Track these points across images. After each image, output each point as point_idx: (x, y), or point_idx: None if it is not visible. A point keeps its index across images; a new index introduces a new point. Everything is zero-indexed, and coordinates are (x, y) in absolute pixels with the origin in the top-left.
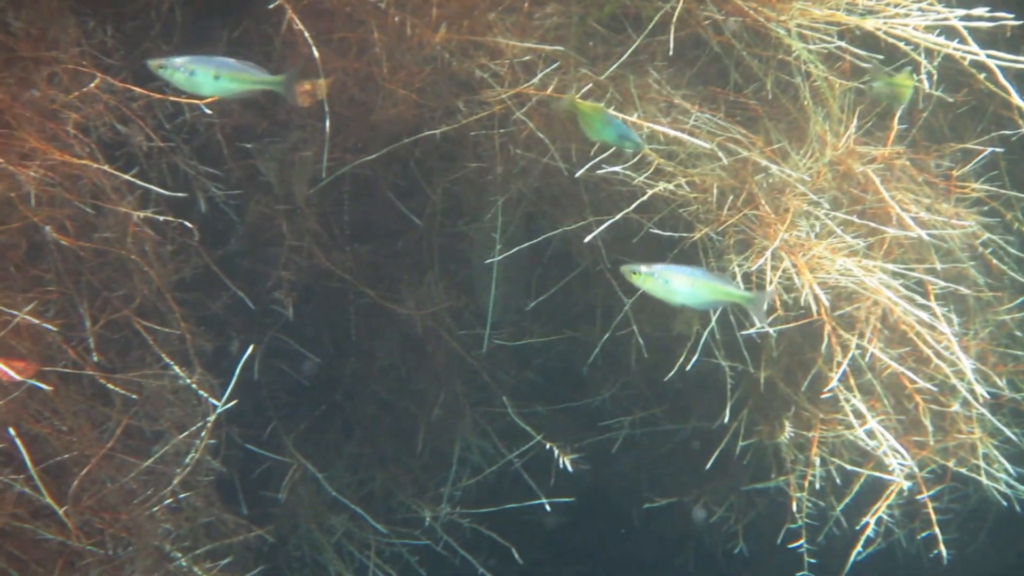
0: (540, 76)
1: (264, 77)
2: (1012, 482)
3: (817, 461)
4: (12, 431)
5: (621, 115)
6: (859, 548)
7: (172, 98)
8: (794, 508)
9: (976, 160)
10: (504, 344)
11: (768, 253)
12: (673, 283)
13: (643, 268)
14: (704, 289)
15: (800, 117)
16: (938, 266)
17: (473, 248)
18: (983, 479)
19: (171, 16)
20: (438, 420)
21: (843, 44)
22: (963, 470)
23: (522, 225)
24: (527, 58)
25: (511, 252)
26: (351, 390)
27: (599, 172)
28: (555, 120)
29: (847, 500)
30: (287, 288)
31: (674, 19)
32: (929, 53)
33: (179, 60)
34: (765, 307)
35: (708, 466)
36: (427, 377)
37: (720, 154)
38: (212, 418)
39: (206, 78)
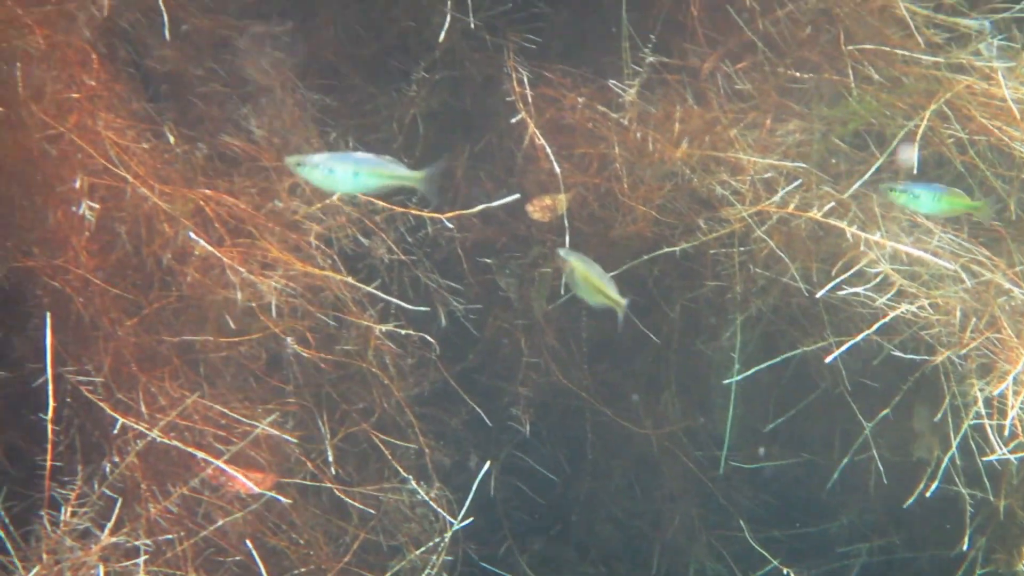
0: (781, 193)
1: (405, 172)
2: None
3: None
4: (249, 543)
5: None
6: None
7: (414, 212)
8: None
9: None
10: (741, 466)
11: (1011, 378)
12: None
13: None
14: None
15: None
16: None
17: (711, 367)
18: None
19: (413, 129)
20: (673, 542)
21: None
22: None
23: (760, 345)
24: (768, 175)
25: (749, 372)
26: (586, 509)
27: (840, 293)
28: (796, 238)
29: None
30: (524, 405)
31: (918, 137)
32: None
33: (317, 158)
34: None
35: None
36: (662, 498)
37: (963, 276)
38: (449, 535)
39: (345, 175)
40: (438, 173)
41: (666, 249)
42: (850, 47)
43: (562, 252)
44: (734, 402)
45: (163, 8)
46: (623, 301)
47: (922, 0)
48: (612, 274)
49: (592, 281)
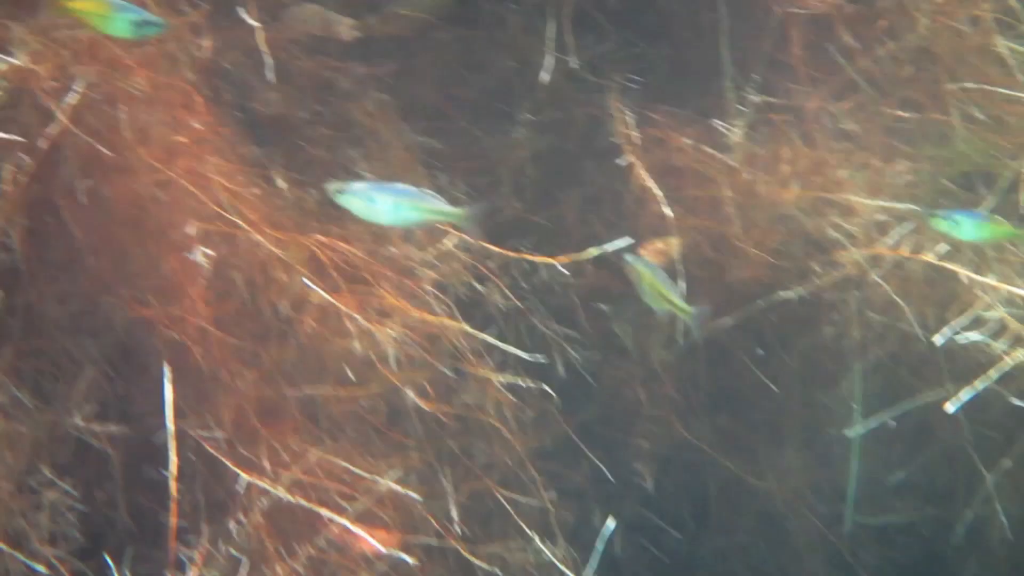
0: (894, 236)
1: (446, 208)
2: None
3: None
4: None
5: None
6: None
7: (528, 256)
8: None
9: None
10: (866, 522)
11: None
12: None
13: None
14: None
15: None
16: None
17: (833, 418)
18: None
19: (522, 172)
20: None
21: None
22: None
23: (880, 394)
24: (880, 217)
25: (870, 423)
26: (711, 567)
27: (958, 339)
28: (911, 282)
29: None
30: (646, 458)
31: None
32: None
33: (358, 186)
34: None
35: None
36: (787, 554)
37: None
38: None
39: (385, 205)
40: (480, 212)
41: (782, 294)
42: (952, 86)
43: (629, 258)
44: (856, 454)
45: (266, 49)
46: (690, 309)
47: (1021, 37)
48: (729, 317)
49: (658, 288)
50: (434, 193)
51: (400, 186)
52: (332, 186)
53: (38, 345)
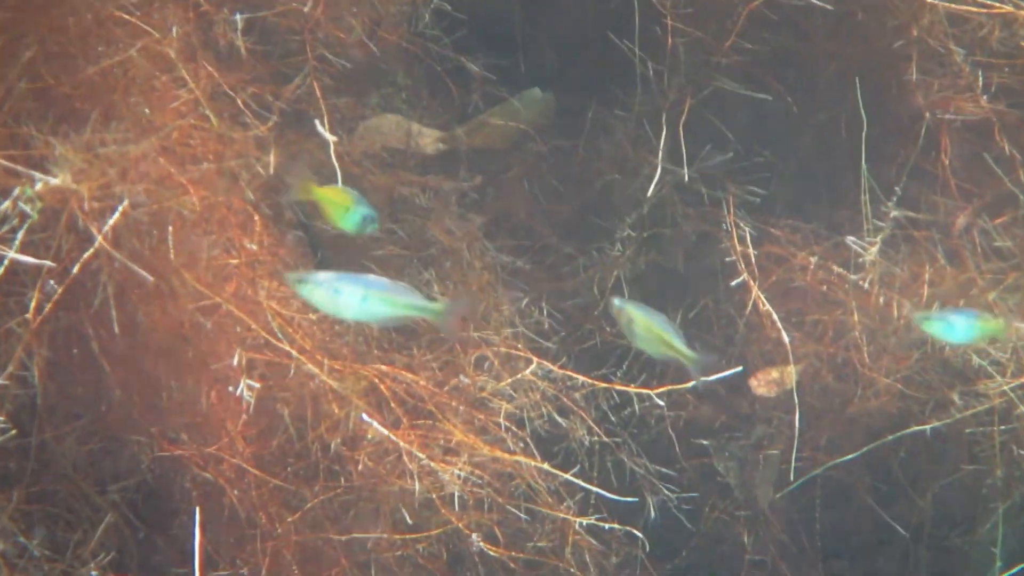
0: None
1: (420, 303)
2: None
3: None
4: None
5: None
6: None
7: (619, 386)
8: None
9: None
10: None
11: None
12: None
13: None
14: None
15: None
16: None
17: (970, 566)
18: None
19: (617, 294)
20: None
21: None
22: None
23: None
24: None
25: (1014, 572)
26: None
27: None
28: None
29: None
30: None
31: None
32: None
33: (322, 276)
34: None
35: None
36: None
37: None
38: None
39: (352, 298)
40: (461, 307)
41: (915, 428)
42: None
43: (617, 302)
44: None
45: (336, 164)
46: (692, 355)
47: None
48: (852, 456)
49: (656, 332)
50: (409, 286)
51: (370, 277)
52: (292, 275)
53: (52, 488)
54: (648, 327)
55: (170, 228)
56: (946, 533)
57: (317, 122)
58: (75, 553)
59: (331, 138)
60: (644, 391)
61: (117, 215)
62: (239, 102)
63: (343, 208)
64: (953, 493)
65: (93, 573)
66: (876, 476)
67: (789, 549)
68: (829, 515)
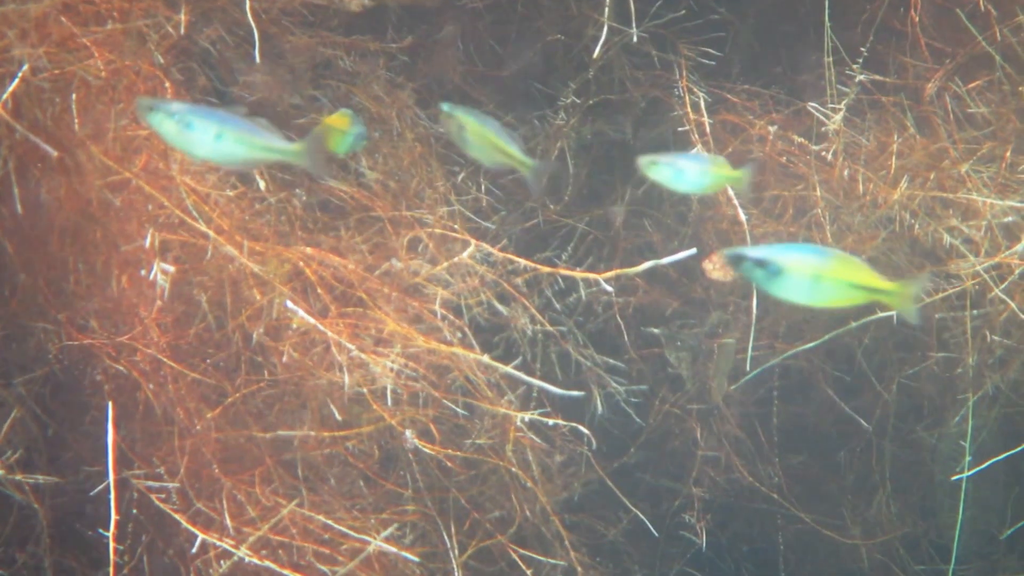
0: None
1: (278, 144)
2: None
3: None
4: None
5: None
6: None
7: (564, 271)
8: None
9: None
10: None
11: None
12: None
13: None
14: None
15: None
16: None
17: (935, 460)
18: None
19: (562, 166)
20: None
21: None
22: None
23: (997, 431)
24: (1008, 219)
25: (983, 466)
26: None
27: None
28: None
29: None
30: (699, 510)
31: None
32: None
33: (176, 106)
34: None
35: None
36: None
37: None
38: None
39: (204, 135)
40: (318, 150)
41: (880, 315)
42: None
43: (446, 107)
44: (964, 503)
45: (253, 24)
46: (529, 161)
47: None
48: (812, 344)
49: (489, 138)
50: (268, 124)
51: (229, 114)
52: (144, 101)
53: None
54: (481, 133)
55: (73, 96)
56: (912, 426)
57: None
58: None
59: None
60: (591, 276)
61: (16, 82)
62: None
63: (341, 133)
64: (920, 383)
65: None
66: (838, 365)
67: (744, 444)
68: (787, 408)
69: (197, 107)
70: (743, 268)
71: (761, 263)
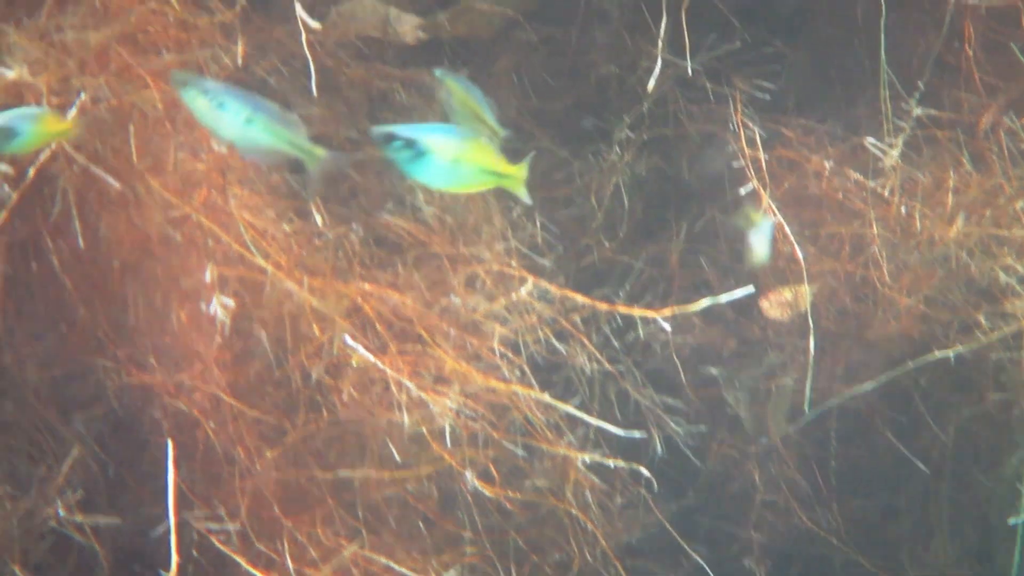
0: None
1: (303, 142)
2: None
3: None
4: None
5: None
6: None
7: (621, 309)
8: None
9: None
10: None
11: None
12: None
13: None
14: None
15: None
16: None
17: (994, 504)
18: None
19: (616, 202)
20: None
21: None
22: None
23: None
24: None
25: None
26: None
27: None
28: None
29: None
30: (758, 554)
31: None
32: None
33: (211, 84)
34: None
35: None
36: None
37: None
38: None
39: (235, 117)
40: (340, 162)
41: (938, 353)
42: None
43: (438, 72)
44: (1020, 546)
45: (309, 56)
46: (501, 132)
47: None
48: (873, 383)
49: (471, 106)
50: (299, 122)
51: (261, 100)
52: (179, 76)
53: (13, 418)
54: (464, 101)
55: (131, 128)
56: (969, 468)
57: (297, 5)
58: (40, 489)
59: (316, 25)
60: (648, 313)
61: (75, 111)
62: None
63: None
64: (978, 425)
65: (61, 512)
66: (896, 407)
67: (802, 487)
68: (845, 450)
69: (232, 89)
70: (390, 148)
71: (410, 143)
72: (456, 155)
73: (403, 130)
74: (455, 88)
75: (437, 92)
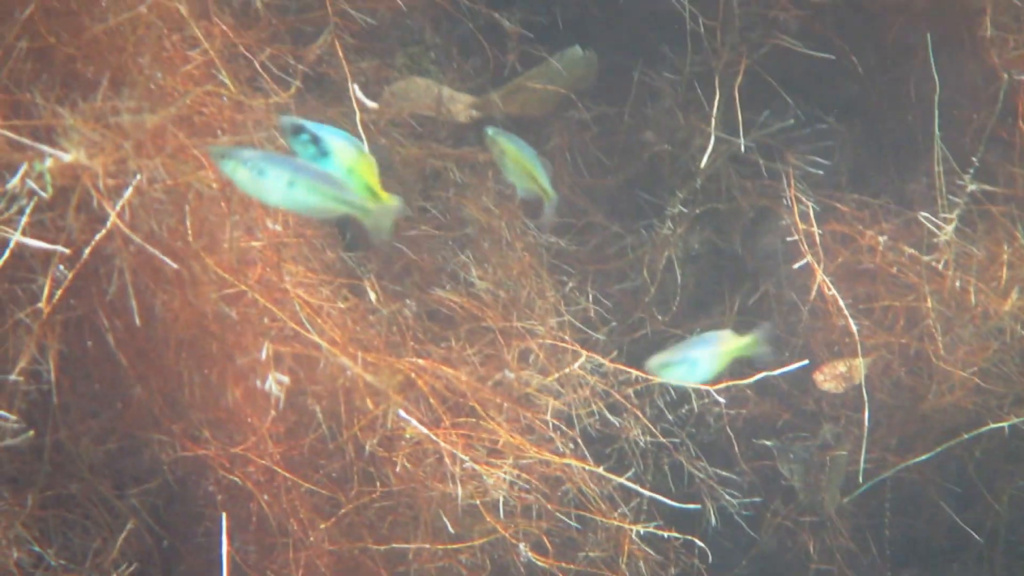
0: None
1: (350, 197)
2: None
3: None
4: None
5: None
6: None
7: (675, 382)
8: None
9: None
10: None
11: None
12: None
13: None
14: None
15: None
16: None
17: None
18: None
19: (669, 277)
20: None
21: None
22: None
23: None
24: None
25: None
26: None
27: None
28: None
29: None
30: None
31: None
32: None
33: (248, 153)
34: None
35: None
36: None
37: None
38: None
39: (277, 182)
40: (395, 208)
41: (992, 425)
42: None
43: (491, 131)
44: None
45: (363, 135)
46: (553, 194)
47: None
48: (925, 456)
49: (523, 164)
50: (343, 178)
51: (300, 162)
52: (216, 149)
53: (67, 492)
54: (517, 159)
55: (187, 208)
56: (1023, 538)
57: (356, 88)
58: (95, 562)
59: (372, 105)
60: (702, 387)
61: (130, 192)
62: (256, 64)
63: None
64: None
65: None
66: (950, 478)
67: (857, 557)
68: (900, 520)
69: (270, 154)
70: (297, 141)
71: (316, 139)
72: (351, 164)
73: (312, 126)
74: (508, 147)
75: (491, 151)
